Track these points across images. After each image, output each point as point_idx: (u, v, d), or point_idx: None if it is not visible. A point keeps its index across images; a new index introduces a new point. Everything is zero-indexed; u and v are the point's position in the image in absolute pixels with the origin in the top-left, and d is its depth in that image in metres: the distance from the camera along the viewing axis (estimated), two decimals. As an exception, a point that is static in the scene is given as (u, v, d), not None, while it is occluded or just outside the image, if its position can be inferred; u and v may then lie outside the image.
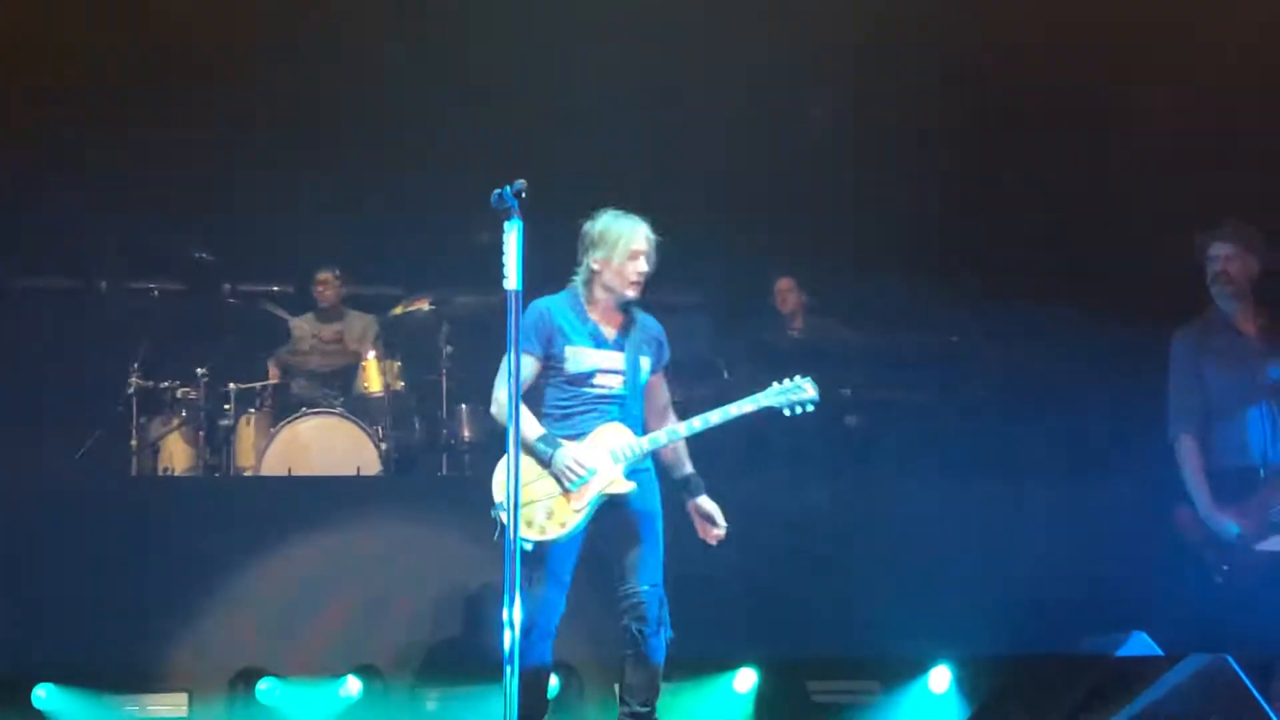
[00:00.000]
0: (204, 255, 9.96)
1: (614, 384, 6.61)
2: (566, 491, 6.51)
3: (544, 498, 6.53)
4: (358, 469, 9.21)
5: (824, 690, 8.50)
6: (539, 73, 10.28)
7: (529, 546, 6.48)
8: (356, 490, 8.91)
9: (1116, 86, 9.83)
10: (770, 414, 9.88)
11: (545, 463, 6.54)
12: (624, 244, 6.58)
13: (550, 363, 6.63)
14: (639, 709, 6.60)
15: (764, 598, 8.32)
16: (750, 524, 8.47)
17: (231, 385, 9.66)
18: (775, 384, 6.70)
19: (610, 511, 6.55)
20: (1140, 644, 7.08)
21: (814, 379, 6.66)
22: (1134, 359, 8.52)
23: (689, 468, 6.85)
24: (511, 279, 5.82)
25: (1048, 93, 10.10)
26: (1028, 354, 10.10)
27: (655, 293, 11.51)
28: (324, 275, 10.41)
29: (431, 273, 10.17)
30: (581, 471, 6.48)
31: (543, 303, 6.72)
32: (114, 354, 9.92)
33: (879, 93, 10.29)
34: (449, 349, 9.85)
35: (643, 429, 6.70)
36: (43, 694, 7.85)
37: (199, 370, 9.64)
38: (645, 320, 6.79)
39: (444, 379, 9.86)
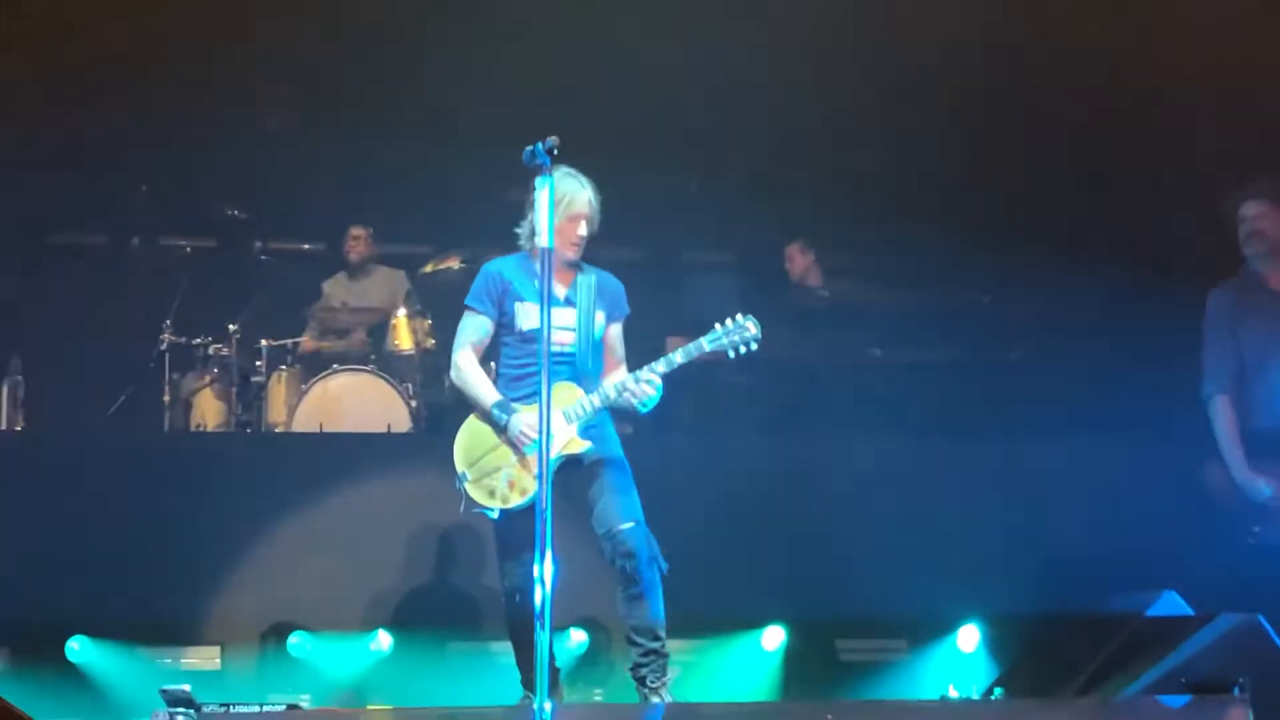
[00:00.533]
0: (236, 212, 9.97)
1: (565, 341, 6.58)
2: (523, 458, 6.51)
3: (504, 465, 6.54)
4: (388, 426, 9.23)
5: (852, 648, 8.51)
6: (573, 28, 10.26)
7: (494, 515, 6.55)
8: (387, 447, 8.93)
9: (1156, 44, 9.77)
10: (802, 371, 9.95)
11: (501, 430, 6.57)
12: (563, 206, 6.52)
13: (503, 321, 6.67)
14: (650, 645, 6.58)
15: (793, 556, 8.32)
16: (779, 481, 8.53)
17: (263, 342, 9.68)
18: (717, 325, 6.56)
19: (574, 469, 6.50)
20: (1171, 603, 7.08)
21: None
22: (1168, 317, 8.48)
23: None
24: (544, 236, 5.84)
25: (1084, 50, 10.05)
26: (1059, 312, 10.07)
27: (685, 253, 11.62)
28: (356, 231, 10.41)
29: (462, 231, 10.17)
30: (534, 435, 6.41)
31: (493, 264, 6.79)
32: (146, 310, 9.95)
33: (914, 47, 10.25)
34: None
35: (599, 383, 6.65)
36: (76, 646, 7.90)
37: (231, 327, 9.66)
38: (600, 276, 6.77)
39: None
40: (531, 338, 6.57)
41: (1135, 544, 8.12)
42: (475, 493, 6.58)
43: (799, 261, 10.56)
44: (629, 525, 6.50)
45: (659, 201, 10.86)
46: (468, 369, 6.72)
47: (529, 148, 5.86)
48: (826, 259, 10.80)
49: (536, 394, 6.44)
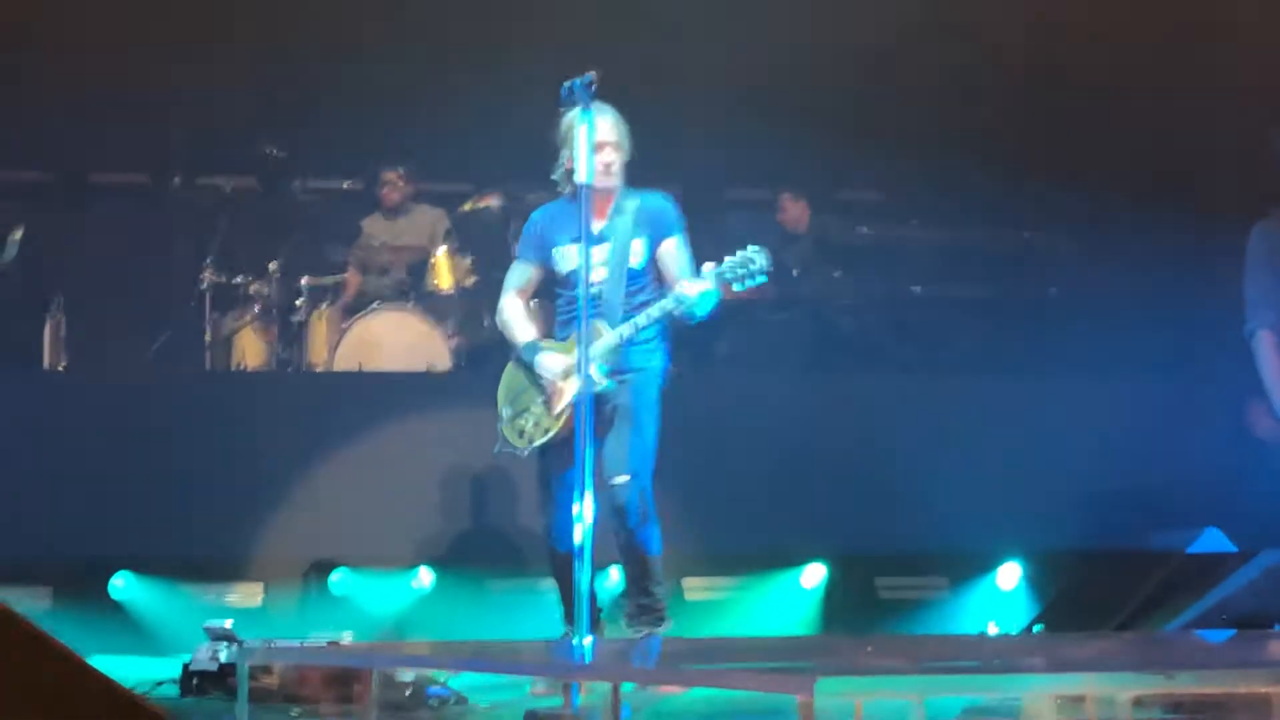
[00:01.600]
0: (275, 151, 9.96)
1: (595, 278, 6.41)
2: (549, 398, 6.51)
3: (532, 405, 6.55)
4: (428, 365, 9.24)
5: (892, 586, 8.53)
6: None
7: (523, 453, 6.56)
8: (427, 386, 8.95)
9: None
10: (842, 308, 9.92)
11: (529, 369, 6.58)
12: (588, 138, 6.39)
13: (547, 267, 6.64)
14: (642, 600, 6.57)
15: (833, 493, 8.33)
16: (819, 420, 8.53)
17: (304, 280, 9.68)
18: (728, 258, 6.33)
19: (599, 408, 6.35)
20: (1213, 540, 7.05)
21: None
22: (1211, 252, 8.42)
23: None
24: (583, 172, 5.82)
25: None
26: (1100, 248, 10.01)
27: (725, 190, 11.58)
28: (389, 175, 10.28)
29: (501, 169, 10.14)
30: (548, 374, 6.46)
31: (537, 211, 6.77)
32: (186, 250, 9.98)
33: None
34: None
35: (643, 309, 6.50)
36: (120, 583, 7.98)
37: (270, 266, 9.67)
38: (642, 199, 6.60)
39: (514, 276, 9.85)
40: (567, 281, 6.57)
41: (1177, 480, 8.09)
42: (508, 432, 6.62)
43: (791, 210, 10.47)
44: (621, 480, 6.42)
45: (700, 136, 10.81)
46: (508, 310, 6.74)
47: (567, 83, 5.84)
48: (866, 198, 10.76)
49: (569, 333, 6.50)
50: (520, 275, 6.75)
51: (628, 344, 6.48)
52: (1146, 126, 10.09)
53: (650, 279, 6.60)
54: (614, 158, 6.49)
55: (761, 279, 6.39)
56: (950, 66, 10.53)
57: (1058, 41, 10.35)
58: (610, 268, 6.54)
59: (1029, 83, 10.44)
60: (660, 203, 6.66)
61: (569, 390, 6.41)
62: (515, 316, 6.71)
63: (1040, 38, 10.38)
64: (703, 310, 6.41)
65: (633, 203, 6.61)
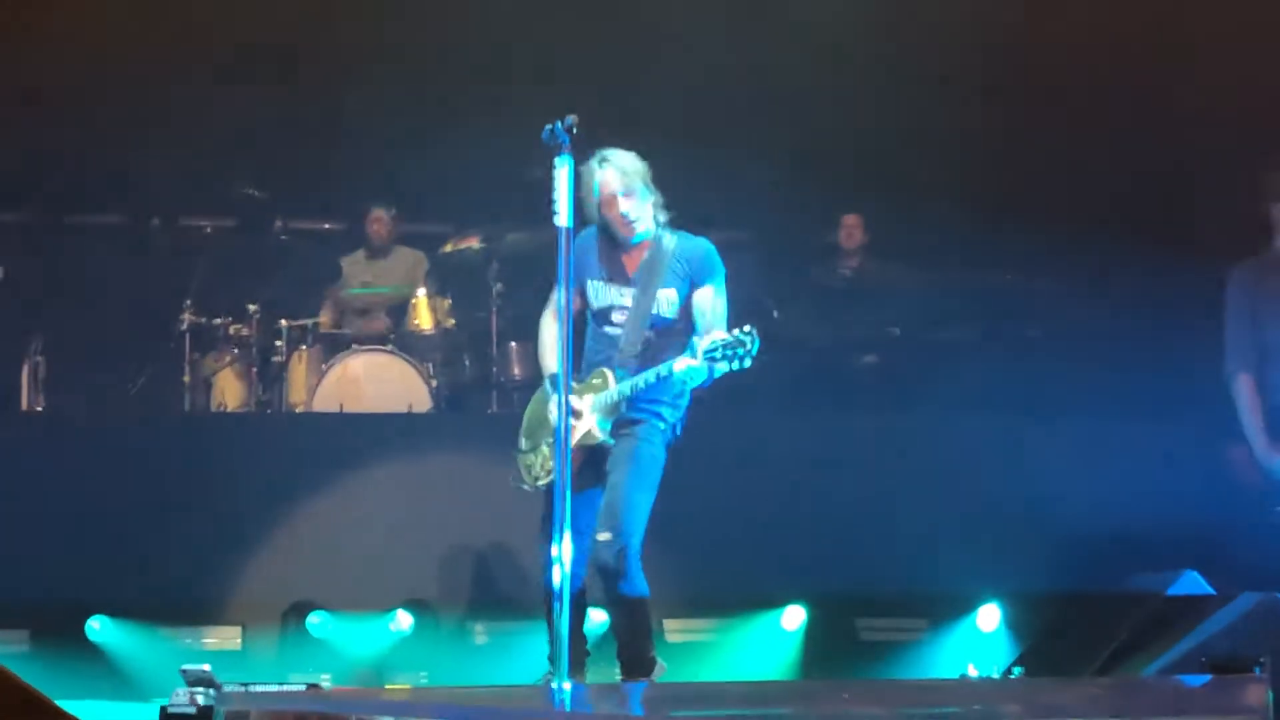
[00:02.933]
0: (255, 192, 9.96)
1: (617, 321, 6.48)
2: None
3: (543, 442, 6.54)
4: (409, 406, 9.23)
5: (872, 628, 8.50)
6: (593, 7, 10.24)
7: (530, 489, 6.58)
8: (407, 427, 8.93)
9: (1179, 26, 9.73)
10: (820, 352, 9.93)
11: (546, 405, 6.55)
12: (589, 195, 6.44)
13: (584, 297, 6.59)
14: (632, 646, 6.51)
15: (813, 535, 8.32)
16: (800, 462, 8.52)
17: (283, 322, 9.67)
18: (719, 336, 6.15)
19: (597, 456, 6.42)
20: (1192, 583, 7.05)
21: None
22: (1190, 296, 8.45)
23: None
24: (563, 215, 5.82)
25: (1106, 32, 10.01)
26: (1080, 291, 10.04)
27: (706, 230, 11.58)
28: (378, 213, 10.38)
29: (481, 209, 10.16)
30: (555, 418, 6.34)
31: (581, 235, 6.61)
32: (167, 290, 9.96)
33: (939, 31, 10.22)
34: (499, 286, 9.84)
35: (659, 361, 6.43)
36: (97, 625, 7.93)
37: (251, 307, 9.66)
38: (683, 244, 6.56)
39: (494, 316, 9.85)
40: (601, 318, 6.56)
41: (1157, 523, 8.09)
42: (520, 465, 6.65)
43: (857, 235, 10.48)
44: (604, 538, 6.37)
45: (679, 177, 10.82)
46: (543, 335, 6.66)
47: (548, 126, 5.84)
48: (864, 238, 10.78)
49: (586, 371, 6.51)
50: (556, 297, 6.57)
51: (634, 396, 6.43)
52: (1128, 171, 10.14)
53: (681, 327, 6.50)
54: (629, 206, 6.47)
55: (748, 362, 6.19)
56: (932, 108, 10.57)
57: (1039, 83, 10.40)
58: (632, 314, 6.49)
59: (1010, 124, 10.48)
60: (698, 248, 6.58)
61: (577, 434, 6.37)
62: (548, 344, 6.60)
63: (1021, 79, 10.42)
64: (693, 384, 6.40)
65: (669, 247, 6.54)
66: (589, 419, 6.42)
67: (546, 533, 6.51)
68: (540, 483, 6.54)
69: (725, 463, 8.50)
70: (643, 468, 6.45)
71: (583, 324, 6.67)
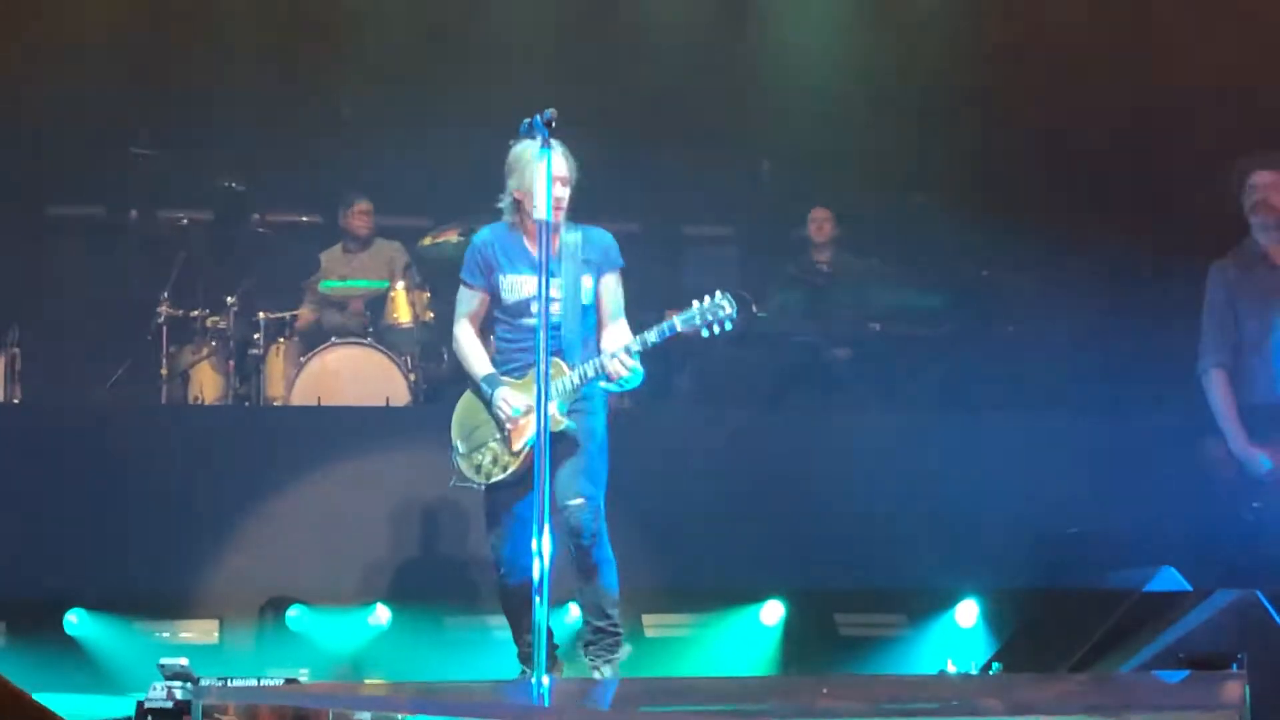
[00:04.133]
0: (233, 184, 9.92)
1: (552, 311, 6.43)
2: (507, 433, 6.50)
3: (490, 440, 6.56)
4: (386, 399, 9.21)
5: (851, 623, 8.51)
6: (572, 2, 10.24)
7: (479, 488, 6.60)
8: (385, 420, 8.91)
9: (1158, 15, 9.77)
10: (800, 348, 9.94)
11: (488, 403, 6.57)
12: (537, 170, 6.36)
13: (493, 295, 6.64)
14: (598, 623, 6.58)
15: (792, 530, 8.32)
16: (778, 457, 8.52)
17: (261, 314, 9.64)
18: (694, 303, 6.44)
19: (555, 444, 6.33)
20: (1169, 579, 7.07)
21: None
22: (1167, 291, 8.48)
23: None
24: (541, 209, 5.82)
25: (1084, 26, 10.05)
26: (1057, 286, 10.05)
27: (684, 226, 11.62)
28: (362, 205, 10.36)
29: (460, 203, 10.13)
30: (508, 411, 6.47)
31: (479, 235, 6.76)
32: (144, 283, 9.93)
33: (918, 24, 10.25)
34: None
35: (595, 346, 6.60)
36: (74, 619, 7.91)
37: (228, 299, 9.62)
38: (587, 234, 6.65)
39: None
40: (516, 310, 6.58)
41: (1133, 519, 8.11)
42: (464, 466, 6.64)
43: (827, 228, 10.46)
44: (576, 502, 6.44)
45: (658, 174, 10.84)
46: (464, 341, 6.73)
47: (526, 120, 5.84)
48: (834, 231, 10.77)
49: (525, 367, 6.52)
50: (469, 300, 6.73)
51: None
52: (1105, 165, 10.16)
53: (594, 313, 6.66)
54: (564, 193, 6.50)
55: (729, 325, 6.44)
56: (909, 103, 10.60)
57: (1015, 80, 10.43)
58: (565, 302, 6.54)
59: (987, 120, 10.50)
60: (603, 237, 6.71)
61: (530, 428, 6.42)
62: (473, 347, 6.70)
63: (998, 76, 10.45)
64: (629, 385, 6.52)
65: (574, 236, 6.62)
66: (549, 407, 6.43)
67: (496, 529, 6.57)
68: (494, 479, 6.54)
69: (703, 457, 8.51)
70: (597, 439, 6.58)
71: (485, 322, 6.76)
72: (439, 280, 10.10)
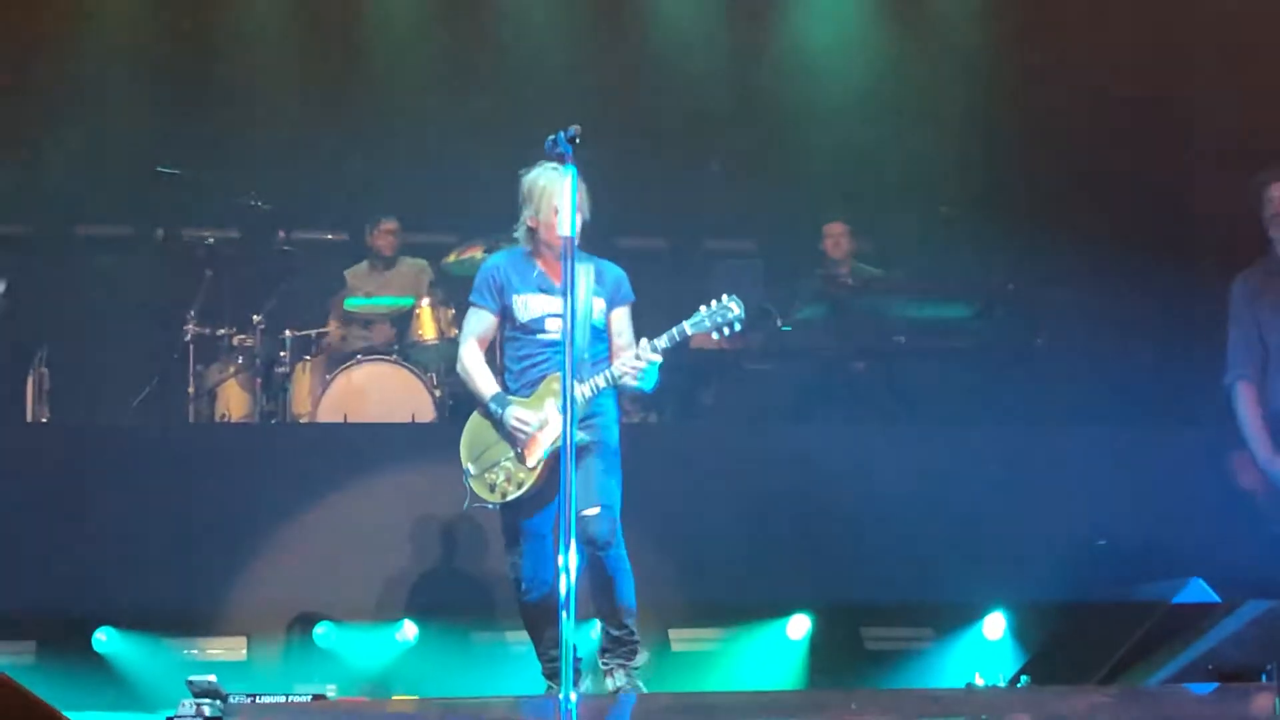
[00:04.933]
0: (259, 203, 9.96)
1: (558, 328, 6.53)
2: (520, 451, 6.52)
3: (503, 459, 6.58)
4: (412, 416, 9.23)
5: (878, 637, 8.49)
6: (595, 19, 10.26)
7: (494, 507, 6.61)
8: (411, 437, 8.93)
9: (1181, 30, 9.76)
10: (822, 362, 9.93)
11: (498, 423, 6.59)
12: (548, 200, 6.50)
13: (505, 315, 6.68)
14: (615, 633, 6.60)
15: (818, 544, 8.31)
16: (804, 470, 8.52)
17: (287, 332, 9.68)
18: (701, 308, 6.55)
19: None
20: (1197, 591, 7.05)
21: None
22: (1195, 303, 8.46)
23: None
24: (566, 225, 5.83)
25: (1103, 37, 10.04)
26: (1086, 299, 10.04)
27: (707, 240, 11.63)
28: (388, 224, 10.39)
29: (485, 220, 10.16)
30: (525, 428, 6.50)
31: (491, 259, 6.87)
32: (171, 302, 9.97)
33: (941, 35, 10.25)
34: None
35: (602, 369, 6.62)
36: (103, 637, 7.93)
37: (255, 318, 9.66)
38: (598, 265, 6.74)
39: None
40: (530, 329, 6.63)
41: (1162, 532, 8.10)
42: (477, 487, 6.66)
43: (844, 243, 10.45)
44: (592, 512, 6.46)
45: (681, 190, 10.86)
46: (470, 362, 6.75)
47: (550, 136, 5.85)
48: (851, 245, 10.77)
49: (535, 385, 6.56)
50: (479, 322, 6.77)
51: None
52: (1132, 177, 10.15)
53: (605, 337, 6.72)
54: (579, 220, 6.53)
55: (737, 326, 6.54)
56: (935, 114, 10.60)
57: (1041, 91, 10.42)
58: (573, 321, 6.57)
59: (1014, 132, 10.50)
60: (616, 270, 6.81)
61: (543, 443, 6.47)
62: (477, 367, 6.73)
63: (1024, 87, 10.45)
64: (647, 385, 6.57)
65: (587, 266, 6.67)
66: (559, 420, 6.43)
67: (515, 547, 6.60)
68: (510, 497, 6.56)
69: (729, 472, 8.50)
70: (610, 453, 6.62)
71: (496, 340, 6.84)
72: (464, 297, 10.07)
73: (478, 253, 9.97)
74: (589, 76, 10.42)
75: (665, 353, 6.54)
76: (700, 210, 11.17)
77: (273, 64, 10.44)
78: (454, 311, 9.92)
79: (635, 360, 6.51)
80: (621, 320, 6.75)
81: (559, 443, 6.40)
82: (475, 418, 6.74)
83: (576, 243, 6.53)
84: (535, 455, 6.49)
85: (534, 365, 6.61)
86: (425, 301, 9.88)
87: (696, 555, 8.16)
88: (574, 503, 5.52)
